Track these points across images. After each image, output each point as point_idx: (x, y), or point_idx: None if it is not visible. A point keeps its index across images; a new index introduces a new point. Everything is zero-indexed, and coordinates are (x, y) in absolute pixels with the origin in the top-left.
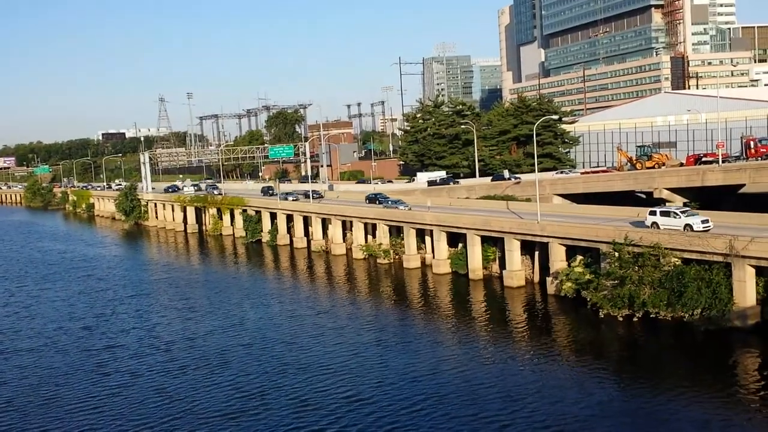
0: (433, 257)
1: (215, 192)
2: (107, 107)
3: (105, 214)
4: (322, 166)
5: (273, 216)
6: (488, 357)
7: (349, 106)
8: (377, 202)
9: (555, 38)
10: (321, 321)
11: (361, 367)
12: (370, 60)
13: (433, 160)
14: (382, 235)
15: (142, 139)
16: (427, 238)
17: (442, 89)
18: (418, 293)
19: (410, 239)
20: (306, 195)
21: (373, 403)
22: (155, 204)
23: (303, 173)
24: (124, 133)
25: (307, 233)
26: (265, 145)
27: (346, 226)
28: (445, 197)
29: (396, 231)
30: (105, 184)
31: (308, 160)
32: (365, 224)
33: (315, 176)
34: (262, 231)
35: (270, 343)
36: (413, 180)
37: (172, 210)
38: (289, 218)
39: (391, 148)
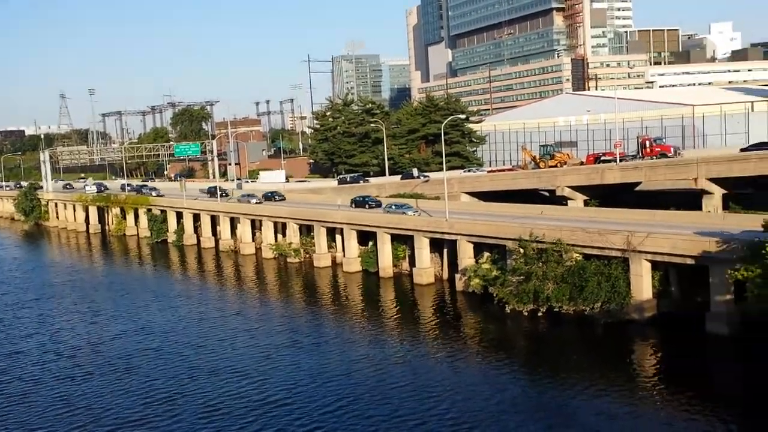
0: (344, 256)
1: (153, 193)
2: (5, 104)
3: (4, 214)
4: (230, 164)
5: (179, 215)
6: (400, 355)
7: (257, 104)
8: (366, 205)
9: (461, 39)
10: (231, 323)
11: (273, 370)
12: (279, 57)
13: (343, 159)
14: (293, 234)
15: (42, 137)
16: (338, 237)
17: (351, 88)
18: (330, 292)
19: (321, 238)
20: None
21: (286, 406)
22: (56, 204)
23: (210, 171)
24: (23, 131)
25: (215, 233)
26: (171, 142)
27: (256, 225)
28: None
29: (306, 230)
30: (5, 183)
31: (216, 158)
32: (275, 223)
33: (223, 174)
34: (167, 231)
35: (178, 347)
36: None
37: (74, 210)
38: (196, 218)
39: (300, 147)
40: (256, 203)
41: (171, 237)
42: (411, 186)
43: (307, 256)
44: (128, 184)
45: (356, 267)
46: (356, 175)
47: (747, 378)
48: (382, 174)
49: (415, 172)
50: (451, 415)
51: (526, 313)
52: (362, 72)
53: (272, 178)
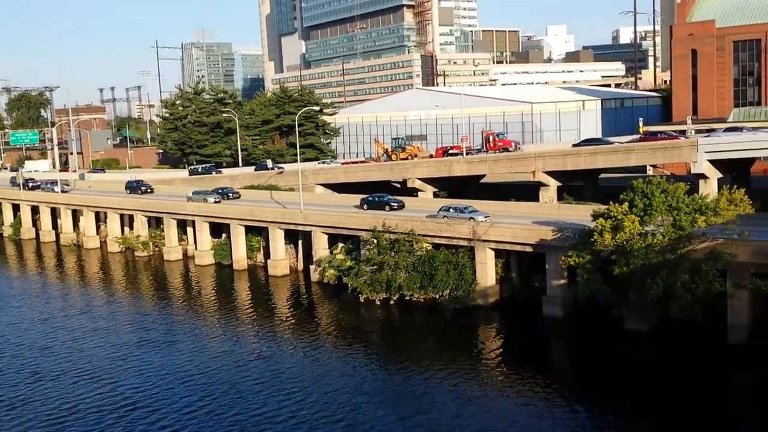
0: (196, 248)
1: (66, 188)
2: None
3: None
4: (71, 153)
5: (16, 207)
6: (255, 349)
7: (102, 90)
8: (386, 207)
9: (315, 31)
10: (76, 322)
11: (125, 371)
12: (125, 43)
13: (195, 149)
14: (140, 227)
15: None
16: (189, 229)
17: (202, 76)
18: (182, 287)
19: (171, 230)
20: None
21: (142, 408)
22: None
23: (51, 161)
24: None
25: (55, 226)
26: (6, 130)
27: (100, 218)
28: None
29: (155, 222)
30: None
31: (56, 147)
32: (121, 215)
33: (65, 164)
34: (3, 224)
35: (19, 349)
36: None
37: None
38: (35, 210)
39: (149, 136)
40: (215, 202)
41: (7, 231)
42: (265, 177)
43: (157, 249)
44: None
45: (209, 260)
46: (208, 165)
47: (577, 355)
48: (236, 165)
49: (269, 163)
50: (310, 407)
51: (379, 302)
52: (214, 60)
53: (37, 167)
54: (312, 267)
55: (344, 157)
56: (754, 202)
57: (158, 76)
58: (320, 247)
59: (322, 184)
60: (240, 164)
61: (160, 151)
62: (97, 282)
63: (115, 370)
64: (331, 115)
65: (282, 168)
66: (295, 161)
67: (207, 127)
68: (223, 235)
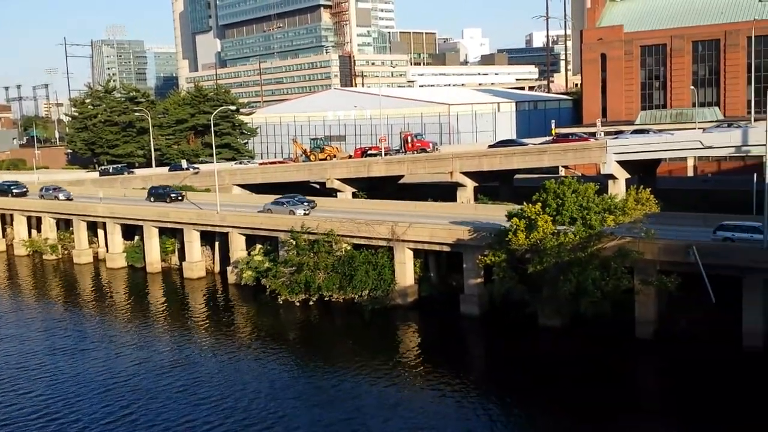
0: (107, 251)
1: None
2: None
3: None
4: None
5: None
6: (174, 356)
7: (7, 89)
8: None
9: (231, 29)
10: None
11: (33, 381)
12: (31, 39)
13: (105, 149)
14: (48, 229)
15: None
16: (100, 231)
17: (113, 74)
18: (93, 291)
19: (81, 233)
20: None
21: (57, 420)
22: None
23: None
24: None
25: None
26: None
27: (6, 221)
28: (119, 188)
29: (65, 224)
30: None
31: None
32: (28, 218)
33: None
34: None
35: None
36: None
37: None
38: None
39: (57, 135)
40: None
41: None
42: (180, 178)
43: (66, 252)
44: None
45: (121, 263)
46: (120, 166)
47: (494, 352)
48: (149, 165)
49: (184, 163)
50: (238, 415)
51: (298, 303)
52: (125, 58)
53: None
54: (229, 269)
55: (262, 158)
56: (659, 202)
57: (67, 74)
58: (237, 248)
59: (239, 185)
60: (153, 165)
61: (69, 151)
62: (3, 287)
63: (28, 380)
64: (248, 114)
65: (197, 168)
66: (211, 161)
67: (118, 126)
68: (136, 237)
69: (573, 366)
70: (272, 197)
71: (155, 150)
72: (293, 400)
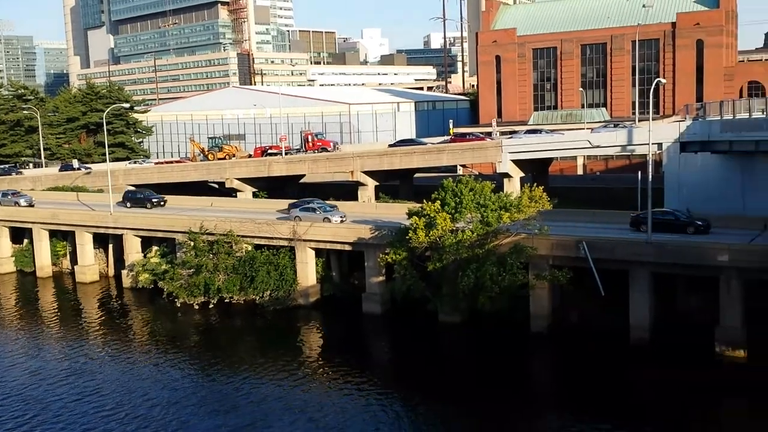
0: None
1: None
2: None
3: None
4: None
5: None
6: (65, 363)
7: None
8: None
9: (124, 25)
10: None
11: None
12: None
13: None
14: None
15: None
16: None
17: (0, 71)
18: None
19: None
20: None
21: None
22: None
23: None
24: None
25: None
26: None
27: None
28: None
29: None
30: None
31: None
32: None
33: None
34: None
35: None
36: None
37: None
38: None
39: None
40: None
41: None
42: (71, 178)
43: None
44: None
45: (9, 267)
46: (7, 166)
47: (395, 349)
48: (39, 165)
49: (75, 163)
50: (137, 423)
51: (197, 306)
52: (13, 54)
53: None
54: (124, 272)
55: (158, 157)
56: (552, 199)
57: None
58: (133, 250)
59: (134, 185)
60: (43, 164)
61: None
62: None
63: None
64: (143, 112)
65: (90, 168)
66: (104, 161)
67: (5, 125)
68: (25, 241)
69: (472, 360)
70: (176, 198)
71: (45, 149)
72: (195, 406)
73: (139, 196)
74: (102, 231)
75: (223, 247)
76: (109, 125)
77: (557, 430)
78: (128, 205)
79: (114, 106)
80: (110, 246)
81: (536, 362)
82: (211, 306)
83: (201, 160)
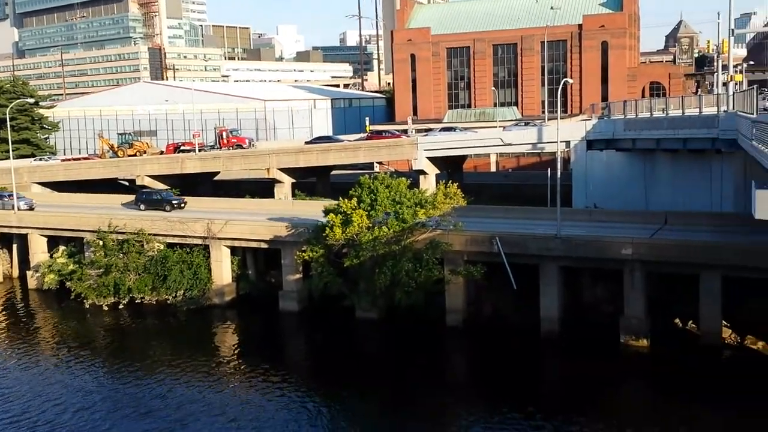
0: None
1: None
2: None
3: None
4: None
5: None
6: None
7: None
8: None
9: (30, 18)
10: None
11: None
12: None
13: None
14: None
15: None
16: None
17: None
18: None
19: None
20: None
21: None
22: None
23: None
24: None
25: None
26: None
27: None
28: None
29: None
30: None
31: None
32: None
33: None
34: None
35: None
36: None
37: None
38: None
39: None
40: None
41: None
42: None
43: None
44: None
45: None
46: None
47: (312, 346)
48: None
49: None
50: (33, 429)
51: (107, 307)
52: None
53: None
54: (29, 273)
55: (65, 154)
56: (466, 196)
57: None
58: (38, 250)
59: (39, 183)
60: None
61: None
62: None
63: None
64: (49, 108)
65: None
66: (7, 158)
67: None
68: None
69: (389, 355)
70: (84, 196)
71: None
72: (107, 411)
73: (155, 198)
74: (5, 231)
75: (134, 246)
76: (12, 121)
77: (472, 422)
78: (142, 207)
79: (18, 101)
80: (14, 246)
81: (451, 356)
82: (121, 307)
83: (110, 157)
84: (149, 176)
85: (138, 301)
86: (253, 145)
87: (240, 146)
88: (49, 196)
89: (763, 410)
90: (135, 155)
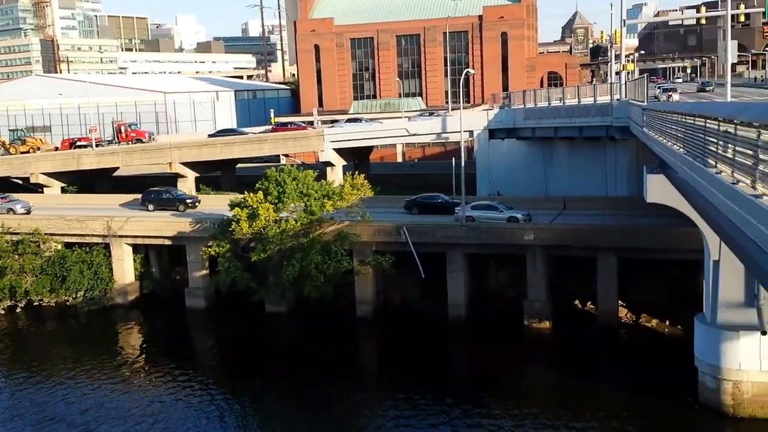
0: None
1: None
2: None
3: None
4: None
5: None
6: None
7: None
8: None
9: None
10: None
11: None
12: None
13: None
14: None
15: None
16: None
17: None
18: None
19: None
20: None
21: None
22: None
23: None
24: None
25: None
26: None
27: None
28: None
29: None
30: None
31: None
32: None
33: None
34: None
35: None
36: None
37: None
38: None
39: None
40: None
41: None
42: None
43: None
44: None
45: None
46: None
47: (221, 343)
48: None
49: None
50: None
51: (3, 311)
52: None
53: None
54: None
55: None
56: (373, 187)
57: None
58: None
59: None
60: None
61: None
62: None
63: None
64: None
65: None
66: None
67: None
68: None
69: (299, 348)
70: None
71: None
72: (7, 420)
73: (165, 197)
74: None
75: (29, 247)
76: None
77: (383, 411)
78: (150, 207)
79: None
80: None
81: (362, 346)
82: (18, 310)
83: (2, 155)
84: (44, 173)
85: (36, 303)
86: (153, 138)
87: (140, 140)
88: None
89: (657, 383)
90: (28, 152)
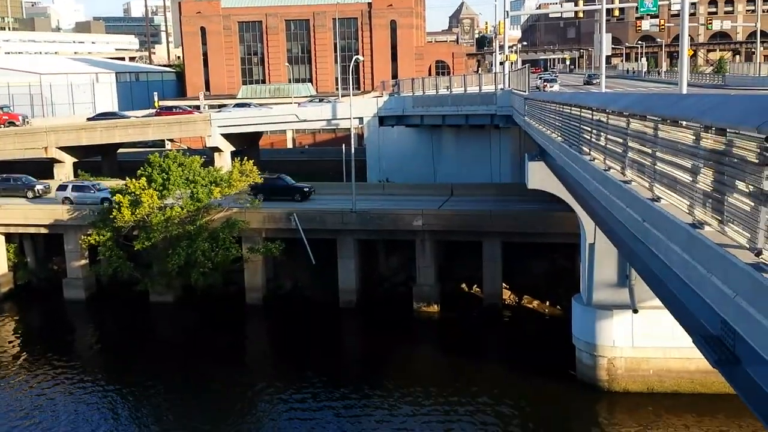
0: None
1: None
2: None
3: None
4: None
5: None
6: None
7: None
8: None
9: None
10: None
11: None
12: None
13: None
14: None
15: None
16: None
17: None
18: None
19: None
20: None
21: None
22: None
23: None
24: None
25: None
26: None
27: None
28: None
29: None
30: None
31: None
32: None
33: None
34: None
35: None
36: None
37: None
38: None
39: None
40: None
41: None
42: None
43: None
44: None
45: None
46: None
47: (103, 335)
48: None
49: None
50: None
51: None
52: None
53: None
54: None
55: None
56: (263, 173)
57: None
58: None
59: None
60: None
61: None
62: None
63: None
64: None
65: None
66: None
67: None
68: None
69: (186, 337)
70: None
71: None
72: None
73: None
74: None
75: None
76: None
77: (275, 398)
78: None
79: None
80: None
81: (251, 334)
82: None
83: None
84: None
85: None
86: (27, 122)
87: (12, 123)
88: None
89: (538, 361)
90: None
